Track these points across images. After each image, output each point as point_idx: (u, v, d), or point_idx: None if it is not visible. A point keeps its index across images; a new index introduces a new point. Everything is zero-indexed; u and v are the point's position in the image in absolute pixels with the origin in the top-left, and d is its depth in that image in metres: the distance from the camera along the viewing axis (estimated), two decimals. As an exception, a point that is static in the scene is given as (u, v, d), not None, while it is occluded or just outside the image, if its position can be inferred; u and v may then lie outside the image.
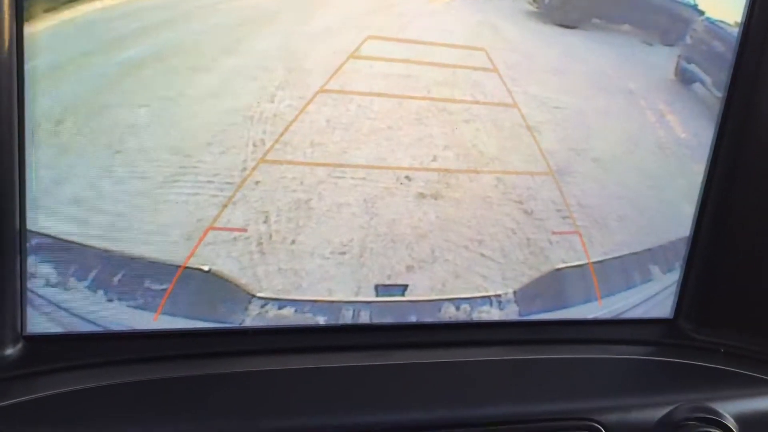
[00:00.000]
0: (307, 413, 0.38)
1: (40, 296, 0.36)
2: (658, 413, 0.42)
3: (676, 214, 0.47)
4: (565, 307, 0.46)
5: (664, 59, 0.43)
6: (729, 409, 0.43)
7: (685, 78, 0.44)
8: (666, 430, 0.42)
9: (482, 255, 0.43)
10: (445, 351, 0.44)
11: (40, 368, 0.36)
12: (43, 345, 0.37)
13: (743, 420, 0.43)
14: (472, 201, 0.42)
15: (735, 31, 0.44)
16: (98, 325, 0.38)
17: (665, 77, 0.43)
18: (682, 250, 0.48)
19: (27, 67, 0.33)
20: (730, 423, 0.43)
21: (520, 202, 0.43)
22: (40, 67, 0.33)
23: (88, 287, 0.37)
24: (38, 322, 0.37)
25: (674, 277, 0.48)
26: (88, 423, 0.34)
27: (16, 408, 0.34)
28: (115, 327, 0.38)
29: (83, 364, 0.37)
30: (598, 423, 0.40)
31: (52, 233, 0.36)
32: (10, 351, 0.36)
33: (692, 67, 0.44)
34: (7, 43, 0.32)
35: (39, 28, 0.33)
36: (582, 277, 0.46)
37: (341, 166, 0.39)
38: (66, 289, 0.37)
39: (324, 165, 0.39)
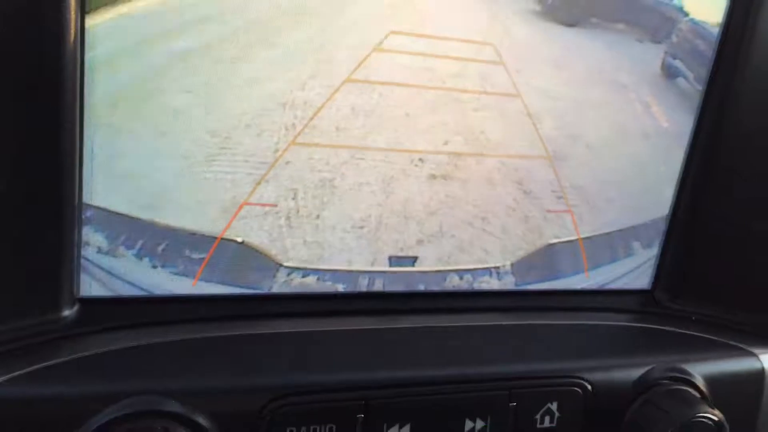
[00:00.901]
0: (327, 370, 0.42)
1: (92, 263, 0.40)
2: (636, 373, 0.47)
3: (657, 195, 0.52)
4: (556, 278, 0.51)
5: (652, 55, 0.48)
6: (698, 370, 0.48)
7: (670, 73, 0.48)
8: (643, 387, 0.47)
9: (484, 230, 0.48)
10: (449, 316, 0.48)
11: (93, 328, 0.40)
12: (95, 307, 0.41)
13: (710, 379, 0.48)
14: (477, 182, 0.46)
15: (715, 31, 0.48)
16: (143, 290, 0.42)
17: (653, 72, 0.48)
18: (661, 228, 0.53)
19: (88, 56, 0.37)
20: (699, 382, 0.48)
21: (520, 183, 0.47)
22: (99, 57, 0.37)
23: (136, 255, 0.41)
24: (91, 286, 0.40)
25: (653, 252, 0.53)
26: (135, 377, 0.38)
27: (73, 363, 0.38)
28: (158, 291, 0.42)
29: (130, 324, 0.41)
30: (586, 381, 0.45)
31: (105, 206, 0.39)
32: (67, 312, 0.40)
33: (677, 62, 0.48)
34: (72, 35, 0.35)
35: (99, 21, 0.36)
36: (572, 251, 0.51)
37: (363, 148, 0.43)
38: (115, 256, 0.41)
39: (348, 147, 0.43)
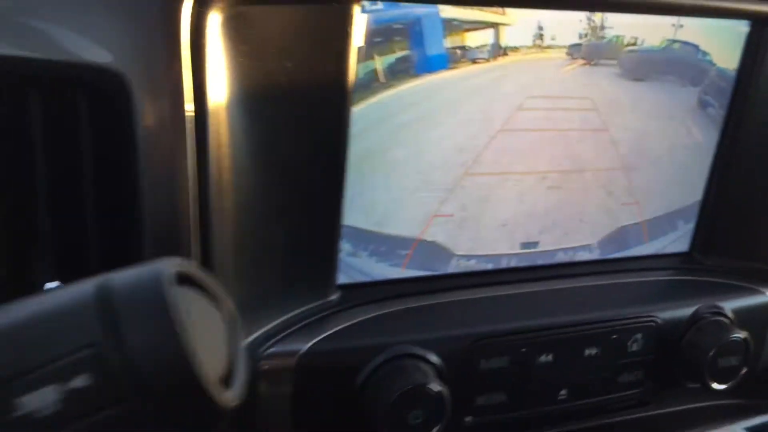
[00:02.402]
0: (486, 323, 0.63)
1: (344, 262, 0.61)
2: (688, 311, 0.68)
3: (693, 187, 0.73)
4: (627, 248, 0.73)
5: (691, 94, 0.69)
6: (728, 306, 0.70)
7: (702, 105, 0.70)
8: (694, 320, 0.69)
9: (581, 221, 0.69)
10: (559, 281, 0.70)
11: (350, 305, 0.61)
12: (349, 291, 0.61)
13: (736, 312, 0.71)
14: (577, 189, 0.68)
15: (733, 74, 0.69)
16: (371, 276, 0.63)
17: (692, 105, 0.69)
18: (696, 209, 0.75)
19: (348, 131, 0.57)
20: (729, 314, 0.70)
21: (605, 187, 0.69)
22: (354, 131, 0.57)
23: (368, 255, 0.62)
24: (343, 277, 0.61)
25: (690, 225, 0.75)
26: (385, 334, 0.59)
27: (345, 330, 0.58)
28: (380, 276, 0.63)
29: (367, 301, 0.62)
30: (657, 318, 0.67)
31: (352, 224, 0.60)
32: (333, 296, 0.60)
33: (707, 97, 0.69)
34: (345, 123, 0.55)
35: (356, 109, 0.56)
36: (638, 229, 0.72)
37: (508, 173, 0.64)
38: (356, 256, 0.62)
39: (499, 174, 0.64)
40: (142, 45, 0.45)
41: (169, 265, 0.28)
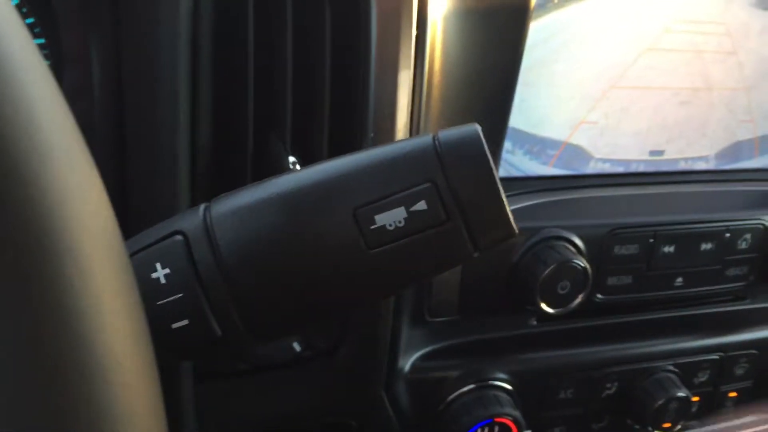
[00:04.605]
0: (620, 216, 0.74)
1: (503, 159, 0.72)
2: None
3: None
4: (739, 161, 0.82)
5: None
6: None
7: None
8: (796, 224, 0.79)
9: (703, 134, 0.79)
10: (680, 185, 0.80)
11: (511, 193, 0.73)
12: (503, 183, 0.73)
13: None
14: (704, 105, 0.77)
15: None
16: (523, 171, 0.74)
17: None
18: (803, 129, 0.83)
19: (524, 46, 0.67)
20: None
21: (727, 105, 0.78)
22: (527, 45, 0.67)
23: (523, 153, 0.73)
24: (501, 171, 0.73)
25: (796, 144, 0.84)
26: (537, 219, 0.71)
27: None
28: (530, 172, 0.74)
29: (520, 192, 0.74)
30: (765, 222, 0.78)
31: (514, 126, 0.71)
32: (494, 185, 0.72)
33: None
34: (524, 36, 0.65)
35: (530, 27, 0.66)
36: (750, 145, 0.82)
37: (646, 88, 0.74)
38: (513, 153, 0.73)
39: (640, 88, 0.74)
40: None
41: (478, 128, 0.39)
